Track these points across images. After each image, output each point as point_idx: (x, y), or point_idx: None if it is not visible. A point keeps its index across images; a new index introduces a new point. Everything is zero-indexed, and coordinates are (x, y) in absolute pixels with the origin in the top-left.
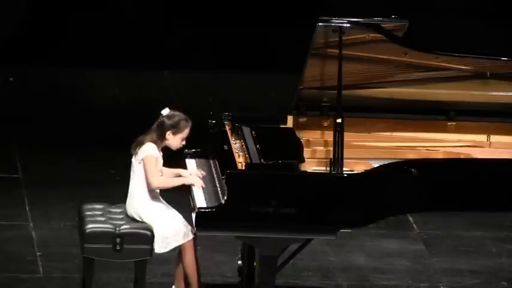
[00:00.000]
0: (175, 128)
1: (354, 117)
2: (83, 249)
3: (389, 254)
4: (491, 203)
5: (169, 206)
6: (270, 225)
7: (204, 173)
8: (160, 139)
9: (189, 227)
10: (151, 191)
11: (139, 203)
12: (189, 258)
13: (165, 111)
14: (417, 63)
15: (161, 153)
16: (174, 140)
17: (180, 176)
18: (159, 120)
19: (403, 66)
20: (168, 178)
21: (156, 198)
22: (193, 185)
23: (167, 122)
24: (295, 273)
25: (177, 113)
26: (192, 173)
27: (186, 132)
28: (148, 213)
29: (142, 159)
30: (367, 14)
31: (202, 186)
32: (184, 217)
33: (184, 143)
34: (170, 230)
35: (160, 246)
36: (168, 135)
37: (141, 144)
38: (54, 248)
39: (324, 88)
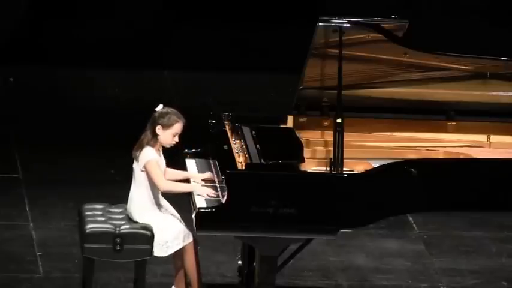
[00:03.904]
0: (165, 123)
1: (354, 117)
2: (83, 249)
3: (390, 254)
4: (491, 203)
5: (170, 209)
6: (270, 225)
7: (211, 175)
8: (154, 137)
9: (189, 229)
10: (154, 200)
11: (139, 211)
12: (190, 259)
13: (159, 107)
14: (417, 63)
15: (161, 156)
16: (165, 136)
17: (188, 179)
18: (152, 116)
19: (403, 66)
20: (177, 183)
21: (156, 205)
22: (200, 194)
23: (158, 116)
24: (295, 273)
25: (170, 109)
26: (201, 176)
27: (176, 127)
28: (148, 221)
29: (144, 167)
30: (367, 14)
31: (209, 196)
32: (184, 217)
33: (176, 139)
34: (170, 235)
35: (161, 250)
36: (158, 129)
37: (141, 148)
38: (54, 248)
39: (324, 88)
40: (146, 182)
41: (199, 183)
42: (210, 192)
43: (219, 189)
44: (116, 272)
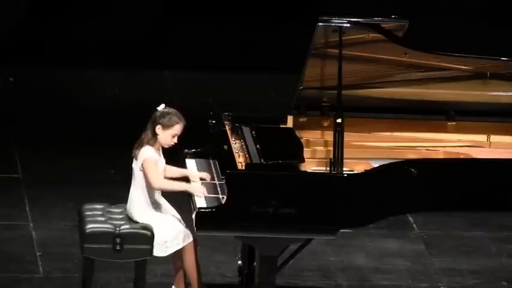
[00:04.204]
0: (166, 123)
1: (354, 117)
2: (83, 249)
3: (390, 254)
4: (491, 203)
5: (169, 209)
6: (270, 225)
7: (209, 176)
8: (153, 136)
9: (189, 229)
10: (150, 199)
11: (139, 211)
12: (189, 259)
13: (161, 107)
14: (417, 63)
15: (161, 155)
16: (164, 136)
17: (186, 176)
18: (153, 115)
19: (403, 66)
20: (171, 181)
21: (156, 205)
22: (196, 193)
23: (159, 116)
24: (295, 273)
25: (171, 109)
26: (198, 175)
27: (176, 129)
28: (147, 220)
29: (142, 165)
30: (367, 14)
31: (204, 195)
32: (184, 217)
33: (175, 140)
34: (170, 236)
35: (160, 250)
36: (158, 129)
37: (140, 146)
38: (54, 248)
39: (324, 88)
40: (144, 182)
41: (197, 182)
42: (206, 191)
43: (218, 189)
44: (116, 272)
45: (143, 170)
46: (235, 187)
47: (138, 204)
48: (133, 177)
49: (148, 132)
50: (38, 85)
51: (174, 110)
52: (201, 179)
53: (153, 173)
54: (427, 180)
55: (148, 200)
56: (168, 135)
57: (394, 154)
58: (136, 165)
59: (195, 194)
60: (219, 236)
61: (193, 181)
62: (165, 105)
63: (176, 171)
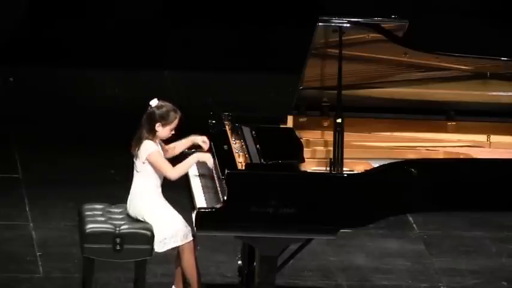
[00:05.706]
0: (165, 120)
1: (354, 117)
2: (83, 249)
3: (390, 254)
4: (491, 203)
5: (169, 207)
6: (270, 225)
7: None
8: (152, 133)
9: (189, 228)
10: (152, 193)
11: (141, 203)
12: (187, 259)
13: (154, 102)
14: (417, 63)
15: (159, 146)
16: (164, 132)
17: (192, 142)
18: (148, 112)
19: (403, 66)
20: (182, 164)
21: (158, 198)
22: (208, 162)
23: (156, 112)
24: (295, 273)
25: (165, 103)
26: (202, 138)
27: (175, 123)
28: (149, 213)
29: (146, 159)
30: (367, 14)
31: (211, 166)
32: (184, 217)
33: (173, 132)
34: (169, 231)
35: (158, 246)
36: (158, 127)
37: (138, 144)
38: (54, 248)
39: (324, 88)
40: (149, 171)
41: (199, 139)
42: (210, 159)
43: (219, 189)
44: (116, 272)
45: (151, 164)
46: (235, 187)
47: (141, 195)
48: (135, 171)
49: (144, 130)
50: (38, 85)
51: (168, 104)
52: (203, 178)
53: (164, 165)
54: (427, 180)
55: (153, 189)
56: (167, 130)
57: (394, 154)
58: (138, 161)
59: (208, 163)
60: (219, 236)
61: (199, 150)
62: (158, 100)
63: (181, 144)
